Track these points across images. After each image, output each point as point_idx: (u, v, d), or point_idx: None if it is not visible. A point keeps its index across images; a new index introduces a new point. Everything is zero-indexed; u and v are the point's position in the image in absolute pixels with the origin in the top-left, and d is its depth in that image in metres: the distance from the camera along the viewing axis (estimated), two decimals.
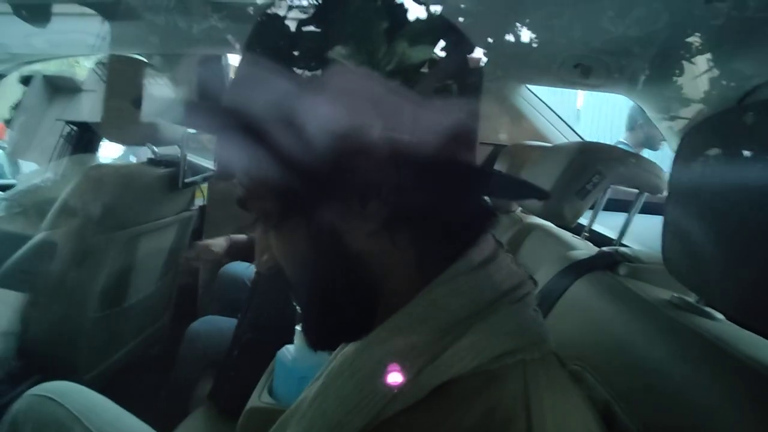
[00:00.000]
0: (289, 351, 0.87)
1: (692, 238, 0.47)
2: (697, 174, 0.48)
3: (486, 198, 0.43)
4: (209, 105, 0.37)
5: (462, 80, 0.36)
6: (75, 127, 1.48)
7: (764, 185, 0.40)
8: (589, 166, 0.83)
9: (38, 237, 1.24)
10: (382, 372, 0.34)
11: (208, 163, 1.74)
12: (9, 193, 1.44)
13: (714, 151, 0.47)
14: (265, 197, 0.37)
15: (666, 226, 0.50)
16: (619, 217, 0.95)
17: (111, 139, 1.48)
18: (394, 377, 0.33)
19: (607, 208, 1.03)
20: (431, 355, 0.33)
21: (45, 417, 0.74)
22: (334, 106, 0.33)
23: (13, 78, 1.62)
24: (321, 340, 0.41)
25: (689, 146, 0.49)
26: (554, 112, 1.66)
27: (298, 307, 0.42)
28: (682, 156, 0.49)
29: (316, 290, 0.38)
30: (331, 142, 0.32)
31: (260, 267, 0.43)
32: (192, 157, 1.55)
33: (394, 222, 0.35)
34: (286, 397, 0.85)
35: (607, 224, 1.14)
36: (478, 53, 0.38)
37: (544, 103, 1.64)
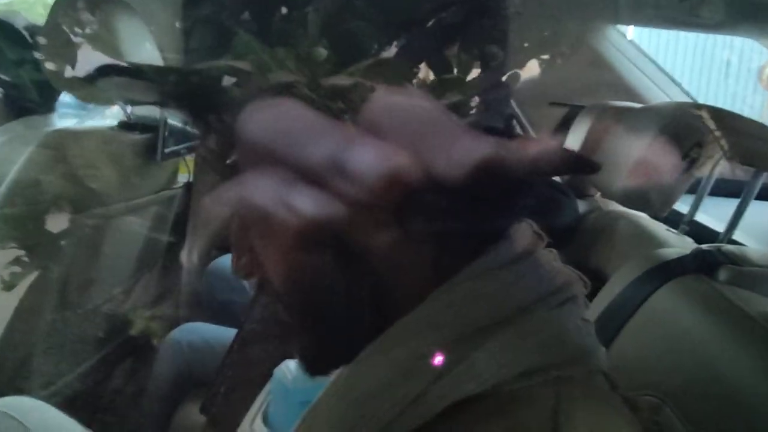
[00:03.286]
0: (288, 369, 0.90)
1: None
2: None
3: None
4: None
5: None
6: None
7: None
8: (686, 136, 0.83)
9: None
10: (383, 390, 0.36)
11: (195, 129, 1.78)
12: None
13: None
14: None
15: None
16: (733, 205, 0.93)
17: (75, 96, 1.54)
18: (397, 396, 0.35)
19: (716, 193, 1.03)
20: (441, 369, 0.35)
21: None
22: None
23: None
24: (320, 364, 0.43)
25: None
26: (655, 63, 1.62)
27: (290, 323, 0.44)
28: None
29: (311, 301, 0.40)
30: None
31: (238, 273, 0.45)
32: (175, 121, 1.60)
33: (407, 211, 0.36)
34: (283, 427, 0.88)
35: (717, 214, 1.13)
36: None
37: (640, 50, 1.61)
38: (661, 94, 1.60)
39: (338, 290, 0.39)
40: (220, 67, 0.40)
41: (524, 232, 0.42)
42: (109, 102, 1.53)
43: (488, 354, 0.35)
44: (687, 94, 1.63)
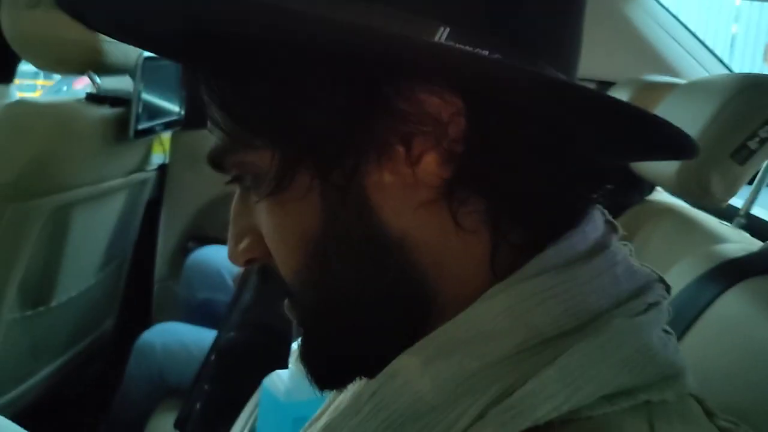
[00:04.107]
0: (280, 378, 0.87)
1: None
2: None
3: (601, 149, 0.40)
4: None
5: None
6: None
7: None
8: (756, 112, 0.79)
9: None
10: (423, 412, 0.33)
11: (173, 104, 1.74)
12: None
13: None
14: (254, 143, 0.36)
15: None
16: None
17: (36, 65, 1.51)
18: (444, 422, 0.32)
19: None
20: (501, 388, 0.32)
21: None
22: None
23: None
24: (333, 374, 0.40)
25: None
26: (693, 33, 1.61)
27: (295, 324, 0.42)
28: None
29: (332, 296, 0.38)
30: (358, 47, 0.31)
31: (236, 258, 0.41)
32: (149, 95, 1.56)
33: (460, 186, 0.34)
34: None
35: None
36: None
37: (677, 19, 1.60)
38: (698, 67, 1.59)
39: (365, 283, 0.37)
40: None
41: (596, 221, 0.38)
42: (74, 70, 1.50)
43: (561, 371, 0.32)
44: (726, 67, 1.62)
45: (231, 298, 1.40)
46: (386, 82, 0.32)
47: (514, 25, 0.34)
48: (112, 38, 0.40)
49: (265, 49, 0.33)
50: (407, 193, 0.35)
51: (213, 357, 1.23)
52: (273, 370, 0.88)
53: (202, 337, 1.42)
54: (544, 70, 0.34)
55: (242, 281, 1.33)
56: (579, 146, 0.37)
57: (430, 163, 0.34)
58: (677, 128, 0.35)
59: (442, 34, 0.32)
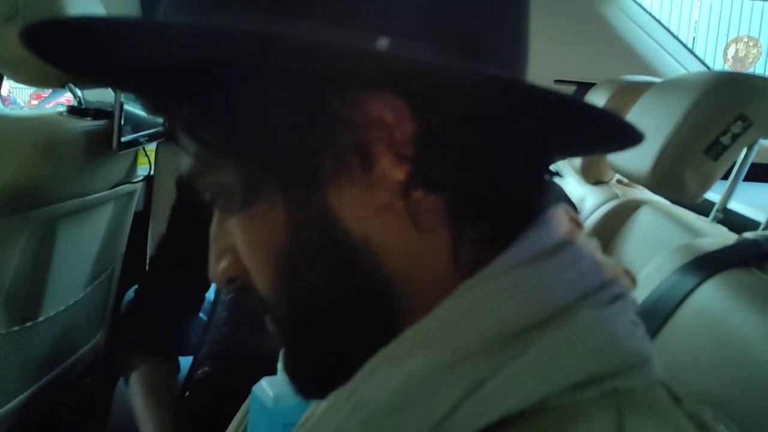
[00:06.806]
0: (269, 385, 0.86)
1: None
2: None
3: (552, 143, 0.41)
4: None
5: None
6: None
7: None
8: (728, 108, 0.80)
9: None
10: (399, 408, 0.34)
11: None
12: None
13: None
14: (219, 163, 0.37)
15: None
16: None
17: (15, 79, 1.50)
18: (419, 417, 0.33)
19: (750, 177, 1.00)
20: (473, 381, 0.33)
21: None
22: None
23: None
24: (315, 384, 0.41)
25: None
26: (669, 30, 1.62)
27: (276, 337, 0.42)
28: None
29: (306, 305, 0.38)
30: (311, 60, 0.32)
31: (217, 279, 0.42)
32: (133, 107, 1.55)
33: (415, 187, 0.35)
34: None
35: (751, 201, 1.12)
36: None
37: (653, 17, 1.61)
38: (675, 64, 1.60)
39: (335, 289, 0.38)
40: None
41: (559, 218, 0.40)
42: (54, 84, 1.49)
43: (530, 363, 0.33)
44: (704, 63, 1.63)
45: (205, 323, 1.38)
46: (332, 92, 0.33)
47: (454, 31, 0.34)
48: (69, 73, 0.41)
49: (216, 71, 0.34)
50: (366, 199, 0.35)
51: (188, 393, 1.21)
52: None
53: (185, 363, 1.39)
54: (483, 70, 0.35)
55: (211, 311, 1.32)
56: (528, 141, 0.38)
57: (384, 168, 0.34)
58: (619, 117, 0.35)
59: (381, 44, 0.32)
